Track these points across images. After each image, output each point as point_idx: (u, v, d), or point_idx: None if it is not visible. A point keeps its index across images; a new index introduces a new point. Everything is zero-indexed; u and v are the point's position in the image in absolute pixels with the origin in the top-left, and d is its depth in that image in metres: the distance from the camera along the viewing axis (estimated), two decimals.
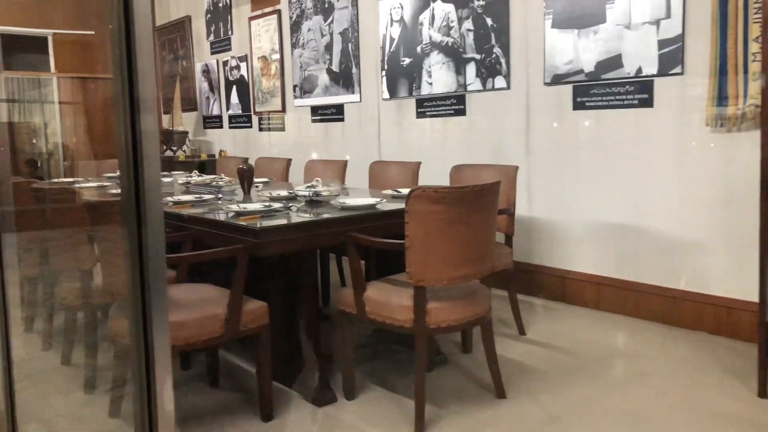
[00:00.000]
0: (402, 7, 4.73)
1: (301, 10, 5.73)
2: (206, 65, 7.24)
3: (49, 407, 2.71)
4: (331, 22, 5.41)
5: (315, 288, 2.73)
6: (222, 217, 2.68)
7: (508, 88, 4.07)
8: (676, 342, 3.18)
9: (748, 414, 2.40)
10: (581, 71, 3.66)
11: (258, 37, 6.33)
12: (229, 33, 6.77)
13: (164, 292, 1.11)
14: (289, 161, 4.77)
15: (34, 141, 7.10)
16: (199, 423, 2.46)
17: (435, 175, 3.98)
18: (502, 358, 2.64)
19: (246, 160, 4.40)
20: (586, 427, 2.36)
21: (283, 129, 6.21)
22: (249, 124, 6.69)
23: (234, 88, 6.83)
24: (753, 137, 2.93)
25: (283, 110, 6.14)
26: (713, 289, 3.24)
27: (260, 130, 6.54)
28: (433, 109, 4.60)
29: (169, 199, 3.14)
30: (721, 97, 3.06)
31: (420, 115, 4.71)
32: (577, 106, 3.72)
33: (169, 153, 7.06)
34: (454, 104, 4.43)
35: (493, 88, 4.16)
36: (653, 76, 3.36)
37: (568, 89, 3.75)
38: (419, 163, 3.89)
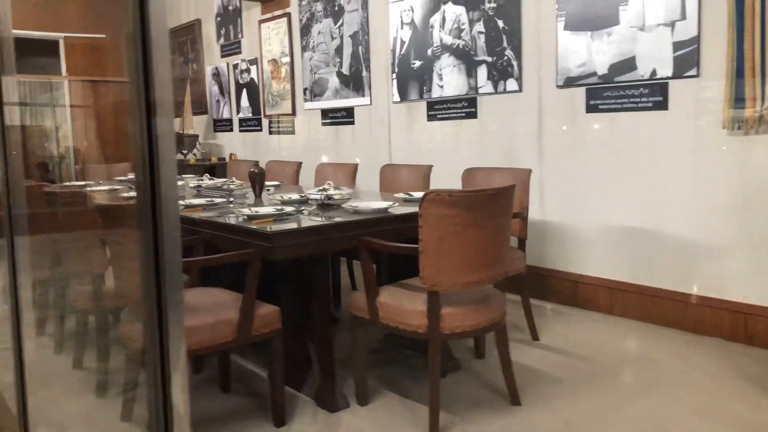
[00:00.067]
0: (412, 10, 4.71)
1: (311, 13, 5.73)
2: (216, 68, 7.25)
3: (61, 410, 2.70)
4: (342, 25, 5.41)
5: (327, 292, 2.71)
6: (234, 220, 2.67)
7: (520, 90, 4.04)
8: (692, 348, 3.14)
9: None
10: (594, 74, 3.63)
11: (268, 40, 6.33)
12: (240, 36, 6.78)
13: (180, 298, 1.09)
14: (299, 164, 4.76)
15: (45, 144, 7.13)
16: (210, 428, 2.44)
17: (446, 179, 3.96)
18: (515, 364, 2.61)
19: (257, 163, 4.39)
20: None
21: (293, 132, 6.20)
22: (259, 128, 6.69)
23: (244, 91, 6.83)
24: None
25: (293, 113, 6.13)
26: (730, 295, 3.20)
27: (270, 133, 6.54)
28: (444, 112, 4.58)
29: (181, 202, 3.13)
30: (738, 100, 3.02)
31: (431, 118, 4.69)
32: (590, 108, 3.69)
33: (179, 156, 7.07)
34: (466, 107, 4.41)
35: (504, 91, 4.14)
36: (668, 78, 3.32)
37: (581, 92, 3.72)
38: (431, 166, 3.87)
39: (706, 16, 3.15)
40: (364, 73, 5.24)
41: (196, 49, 7.54)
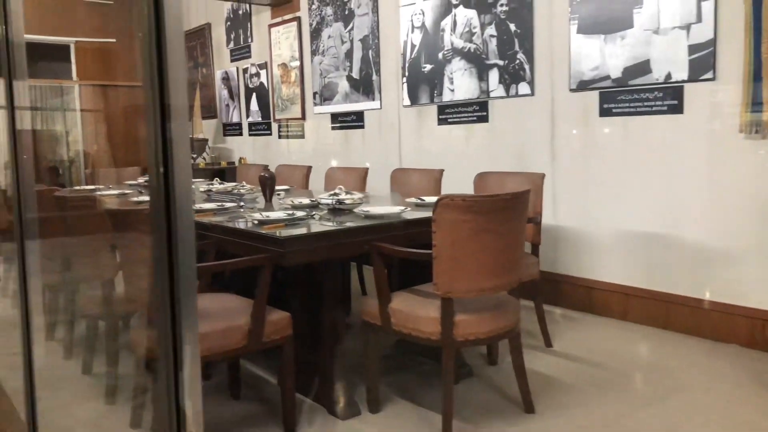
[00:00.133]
0: (423, 14, 4.69)
1: (321, 17, 5.72)
2: (226, 73, 7.25)
3: (70, 416, 2.69)
4: (352, 28, 5.39)
5: (339, 298, 2.68)
6: (245, 225, 2.64)
7: (532, 94, 4.01)
8: (709, 355, 3.09)
9: None
10: (608, 77, 3.59)
11: (278, 45, 6.33)
12: (249, 40, 6.78)
13: (194, 304, 1.07)
14: (309, 168, 4.74)
15: (55, 148, 7.16)
16: None
17: (457, 183, 3.93)
18: (529, 371, 2.57)
19: (267, 167, 4.38)
20: None
21: (302, 136, 6.19)
22: (269, 132, 6.68)
23: (254, 95, 6.83)
24: None
25: (303, 117, 6.12)
26: (747, 301, 3.14)
27: (280, 137, 6.53)
28: (455, 115, 4.55)
29: None
30: (756, 103, 2.98)
31: (441, 122, 4.66)
32: (604, 112, 3.65)
33: None
34: (477, 111, 4.38)
35: (516, 95, 4.10)
36: (683, 81, 3.28)
37: (594, 95, 3.68)
38: (442, 171, 3.84)
39: (722, 19, 3.11)
40: (375, 77, 5.22)
41: (206, 53, 7.55)
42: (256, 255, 2.35)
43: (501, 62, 4.17)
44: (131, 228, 2.37)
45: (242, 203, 3.31)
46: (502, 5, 4.11)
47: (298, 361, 2.44)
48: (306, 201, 3.16)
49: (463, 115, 4.48)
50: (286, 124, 6.40)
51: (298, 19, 6.00)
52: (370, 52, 5.24)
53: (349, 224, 2.58)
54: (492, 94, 4.25)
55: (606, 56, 3.59)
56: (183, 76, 0.95)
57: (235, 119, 7.22)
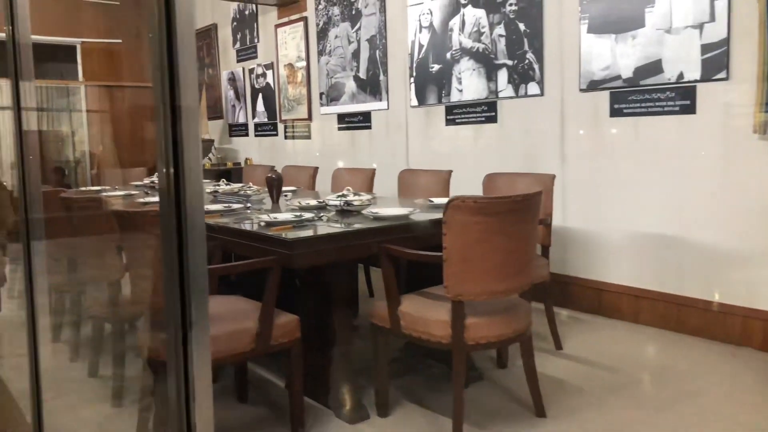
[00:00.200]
0: (431, 13, 4.65)
1: (327, 17, 5.69)
2: (232, 73, 7.23)
3: (76, 419, 2.67)
4: (359, 28, 5.36)
5: (347, 300, 2.65)
6: (253, 227, 2.62)
7: (542, 94, 3.97)
8: (723, 359, 3.04)
9: None
10: (619, 77, 3.55)
11: (284, 45, 6.30)
12: (256, 41, 6.76)
13: (206, 307, 1.05)
14: (315, 169, 4.72)
15: (61, 149, 7.15)
16: None
17: (466, 184, 3.89)
18: (539, 374, 2.53)
19: (273, 168, 4.35)
20: None
21: (309, 137, 6.16)
22: (275, 132, 6.66)
23: (260, 95, 6.81)
24: None
25: (309, 118, 6.09)
26: (761, 303, 3.10)
27: (286, 138, 6.51)
28: (463, 116, 4.51)
29: None
30: None
31: (449, 122, 4.63)
32: (615, 113, 3.61)
33: None
34: (485, 111, 4.34)
35: (525, 95, 4.06)
36: (696, 81, 3.24)
37: (605, 96, 3.64)
38: (450, 172, 3.80)
39: (736, 18, 3.06)
40: (382, 77, 5.19)
41: (212, 54, 7.54)
42: (263, 257, 2.32)
43: (510, 62, 4.13)
44: (138, 229, 2.34)
45: (249, 204, 3.28)
46: (511, 4, 4.08)
47: (305, 364, 2.41)
48: (313, 202, 3.13)
49: (471, 115, 4.45)
50: (292, 124, 6.38)
51: (305, 19, 5.97)
52: (378, 52, 5.21)
53: (357, 226, 2.55)
54: (501, 95, 4.21)
55: (617, 56, 3.55)
56: (194, 77, 0.92)
57: (241, 120, 7.20)
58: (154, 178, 4.84)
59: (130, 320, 2.79)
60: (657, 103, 3.41)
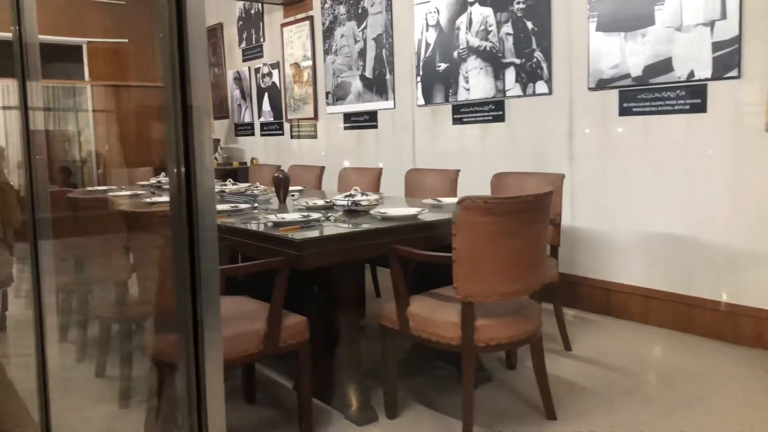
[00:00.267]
0: (438, 12, 4.63)
1: (334, 16, 5.67)
2: (238, 72, 7.23)
3: (84, 419, 2.66)
4: (365, 27, 5.34)
5: (356, 302, 2.63)
6: (261, 227, 2.60)
7: (550, 93, 3.94)
8: (734, 360, 3.01)
9: None
10: (628, 75, 3.52)
11: (290, 44, 6.29)
12: (261, 40, 6.75)
13: (218, 308, 1.04)
14: (322, 169, 4.70)
15: (68, 149, 7.16)
16: None
17: (473, 183, 3.86)
18: (549, 375, 2.50)
19: (280, 167, 4.34)
20: None
21: (315, 136, 6.15)
22: (281, 132, 6.65)
23: (266, 95, 6.80)
24: None
25: (316, 117, 6.08)
26: None
27: (292, 137, 6.49)
28: (470, 115, 4.49)
29: None
30: None
31: (456, 121, 4.60)
32: (624, 111, 3.57)
33: None
34: (493, 110, 4.31)
35: (533, 94, 4.04)
36: (706, 80, 3.20)
37: (614, 94, 3.61)
38: (458, 171, 3.78)
39: (747, 15, 3.03)
40: (388, 76, 5.17)
41: (218, 53, 7.53)
42: (271, 258, 2.31)
43: (518, 61, 4.10)
44: (146, 230, 2.33)
45: (256, 204, 3.26)
46: (518, 3, 4.05)
47: (314, 365, 2.40)
48: (320, 202, 3.11)
49: (478, 114, 4.42)
50: (298, 124, 6.36)
51: (311, 18, 5.96)
52: (384, 51, 5.19)
53: (365, 226, 2.53)
54: (508, 93, 4.19)
55: (626, 54, 3.52)
56: (205, 77, 0.91)
57: (247, 119, 7.19)
58: (161, 178, 4.84)
59: (137, 320, 2.78)
60: (667, 102, 3.38)
